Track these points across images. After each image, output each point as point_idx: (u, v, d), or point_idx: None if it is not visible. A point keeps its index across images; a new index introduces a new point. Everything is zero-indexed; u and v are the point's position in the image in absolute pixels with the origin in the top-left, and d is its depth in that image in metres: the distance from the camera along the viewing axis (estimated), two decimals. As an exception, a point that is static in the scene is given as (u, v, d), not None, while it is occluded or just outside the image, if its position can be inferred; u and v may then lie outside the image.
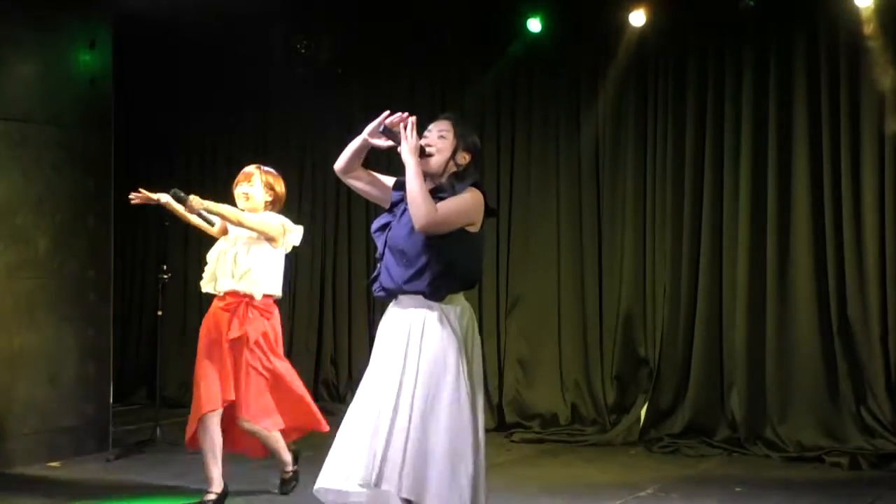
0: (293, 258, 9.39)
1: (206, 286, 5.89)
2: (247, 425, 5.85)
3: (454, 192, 4.16)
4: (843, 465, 7.02)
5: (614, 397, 8.07)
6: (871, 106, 7.22)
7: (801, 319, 7.42)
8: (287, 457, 6.08)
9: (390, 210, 4.31)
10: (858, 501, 6.34)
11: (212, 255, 5.91)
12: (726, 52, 7.66)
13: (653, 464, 7.31)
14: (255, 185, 5.88)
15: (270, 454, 6.11)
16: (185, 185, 7.57)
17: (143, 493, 6.27)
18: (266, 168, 5.99)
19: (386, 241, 4.21)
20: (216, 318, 5.80)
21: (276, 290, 5.90)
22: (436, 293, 4.13)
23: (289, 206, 9.22)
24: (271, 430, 5.92)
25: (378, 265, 4.26)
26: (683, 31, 7.84)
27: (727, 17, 7.57)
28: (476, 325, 4.30)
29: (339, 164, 4.34)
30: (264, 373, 5.84)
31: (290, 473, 6.12)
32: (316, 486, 4.17)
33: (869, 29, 7.18)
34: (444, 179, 4.21)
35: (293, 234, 5.94)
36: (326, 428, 5.88)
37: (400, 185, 4.26)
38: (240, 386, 5.76)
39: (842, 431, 7.23)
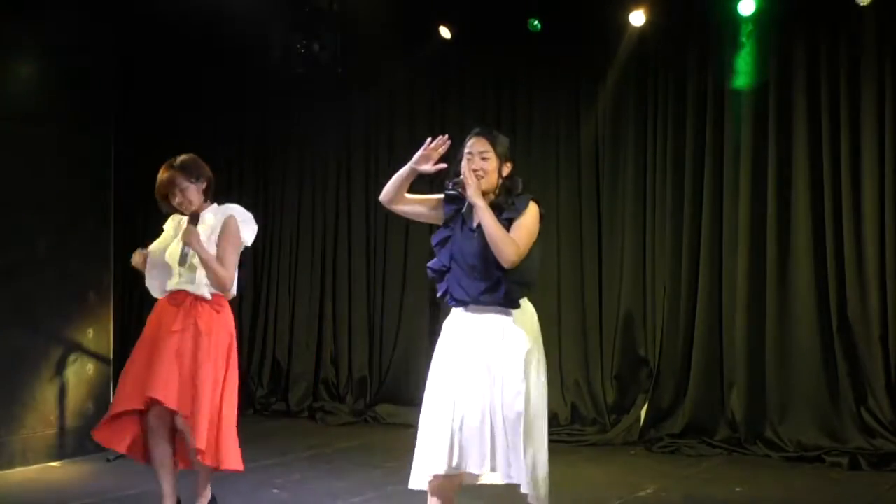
0: (294, 259, 9.45)
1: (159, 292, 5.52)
2: (180, 424, 5.30)
3: (512, 208, 4.42)
4: (843, 465, 7.03)
5: (614, 397, 8.07)
6: (871, 106, 7.22)
7: (801, 319, 7.42)
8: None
9: (446, 225, 4.54)
10: (858, 501, 6.34)
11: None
12: (726, 52, 7.66)
13: (653, 464, 7.31)
14: (185, 186, 5.44)
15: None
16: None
17: (143, 493, 6.26)
18: (177, 163, 5.51)
19: (451, 256, 4.46)
20: (160, 313, 5.43)
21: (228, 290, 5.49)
22: (513, 303, 4.41)
23: (290, 206, 9.35)
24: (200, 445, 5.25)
25: (444, 277, 4.49)
26: (683, 31, 7.84)
27: (726, 16, 7.57)
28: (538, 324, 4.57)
29: (385, 196, 4.54)
30: (214, 372, 5.33)
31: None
32: (411, 486, 4.46)
33: (869, 29, 7.18)
34: (497, 194, 4.46)
35: (246, 231, 5.49)
36: (241, 468, 5.42)
37: (449, 200, 4.54)
38: (184, 383, 5.25)
39: (842, 431, 7.23)
